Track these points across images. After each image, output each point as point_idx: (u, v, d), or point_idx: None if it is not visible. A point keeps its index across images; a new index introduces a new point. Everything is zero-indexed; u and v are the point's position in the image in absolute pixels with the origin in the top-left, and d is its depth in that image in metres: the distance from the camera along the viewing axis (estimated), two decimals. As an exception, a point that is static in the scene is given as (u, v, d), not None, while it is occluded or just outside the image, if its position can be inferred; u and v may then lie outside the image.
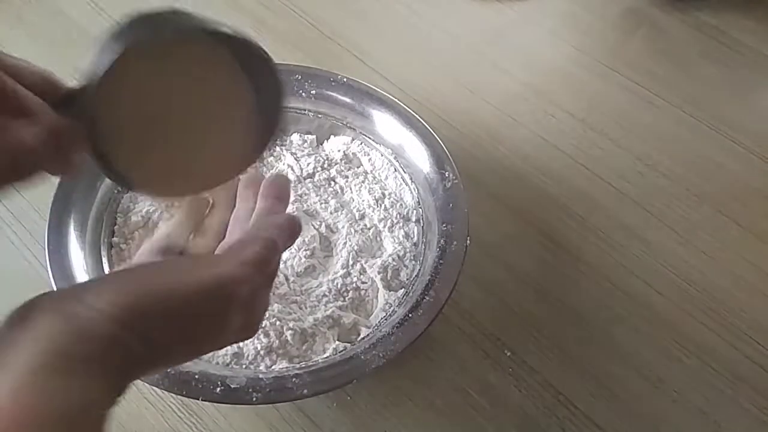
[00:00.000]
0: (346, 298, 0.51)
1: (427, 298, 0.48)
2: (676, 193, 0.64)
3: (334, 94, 0.58)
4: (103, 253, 0.51)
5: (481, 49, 0.74)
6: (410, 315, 0.47)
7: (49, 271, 0.47)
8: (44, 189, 0.57)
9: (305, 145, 0.59)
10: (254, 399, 0.43)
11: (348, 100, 0.58)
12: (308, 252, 0.52)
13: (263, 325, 0.48)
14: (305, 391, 0.44)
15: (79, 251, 0.49)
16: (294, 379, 0.44)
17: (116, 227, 0.53)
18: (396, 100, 0.58)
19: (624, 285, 0.57)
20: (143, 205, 0.54)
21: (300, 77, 0.59)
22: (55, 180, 0.51)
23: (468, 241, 0.50)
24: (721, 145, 0.67)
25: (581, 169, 0.65)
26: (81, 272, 0.48)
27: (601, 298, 0.57)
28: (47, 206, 0.50)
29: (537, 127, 0.67)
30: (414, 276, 0.52)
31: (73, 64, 0.68)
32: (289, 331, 0.48)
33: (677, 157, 0.66)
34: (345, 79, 0.59)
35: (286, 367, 0.47)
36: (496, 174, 0.64)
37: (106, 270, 0.50)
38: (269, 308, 0.49)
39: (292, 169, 0.58)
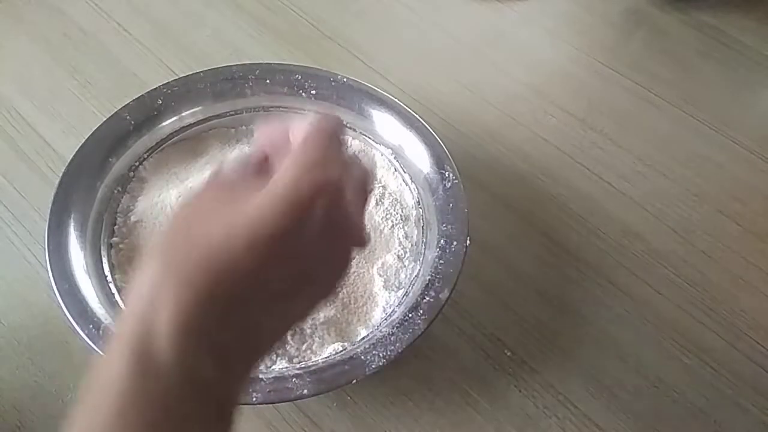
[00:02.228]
0: (346, 299, 0.51)
1: (427, 298, 0.48)
2: (676, 193, 0.64)
3: (334, 94, 0.58)
4: (103, 253, 0.51)
5: (481, 49, 0.74)
6: (410, 315, 0.47)
7: (49, 271, 0.47)
8: (44, 189, 0.57)
9: (305, 145, 0.59)
10: (254, 399, 0.43)
11: (348, 100, 0.58)
12: (308, 252, 0.52)
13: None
14: (305, 391, 0.44)
15: (79, 251, 0.49)
16: (294, 379, 0.44)
17: (116, 227, 0.53)
18: (396, 100, 0.58)
19: (624, 285, 0.57)
20: (143, 205, 0.54)
21: (300, 77, 0.59)
22: (55, 180, 0.51)
23: (468, 241, 0.50)
24: (721, 145, 0.67)
25: (581, 169, 0.65)
26: (81, 272, 0.48)
27: (601, 298, 0.57)
28: (47, 206, 0.50)
29: (537, 127, 0.67)
30: (414, 276, 0.51)
31: (73, 64, 0.69)
32: (289, 331, 0.48)
33: (677, 157, 0.66)
34: (345, 79, 0.59)
35: (286, 367, 0.47)
36: (496, 174, 0.64)
37: (107, 270, 0.50)
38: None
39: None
